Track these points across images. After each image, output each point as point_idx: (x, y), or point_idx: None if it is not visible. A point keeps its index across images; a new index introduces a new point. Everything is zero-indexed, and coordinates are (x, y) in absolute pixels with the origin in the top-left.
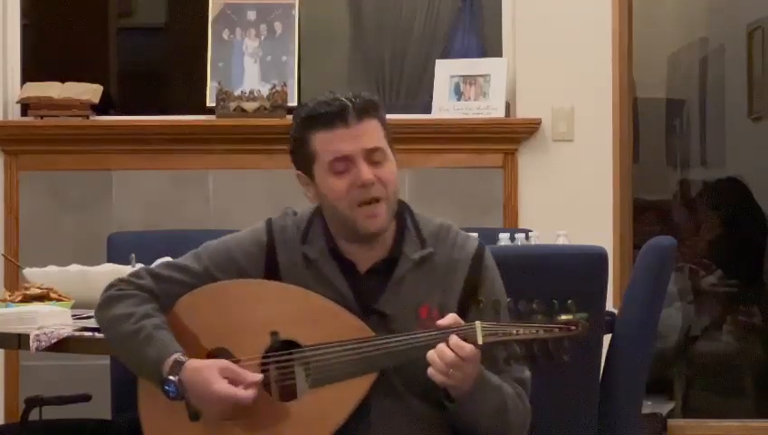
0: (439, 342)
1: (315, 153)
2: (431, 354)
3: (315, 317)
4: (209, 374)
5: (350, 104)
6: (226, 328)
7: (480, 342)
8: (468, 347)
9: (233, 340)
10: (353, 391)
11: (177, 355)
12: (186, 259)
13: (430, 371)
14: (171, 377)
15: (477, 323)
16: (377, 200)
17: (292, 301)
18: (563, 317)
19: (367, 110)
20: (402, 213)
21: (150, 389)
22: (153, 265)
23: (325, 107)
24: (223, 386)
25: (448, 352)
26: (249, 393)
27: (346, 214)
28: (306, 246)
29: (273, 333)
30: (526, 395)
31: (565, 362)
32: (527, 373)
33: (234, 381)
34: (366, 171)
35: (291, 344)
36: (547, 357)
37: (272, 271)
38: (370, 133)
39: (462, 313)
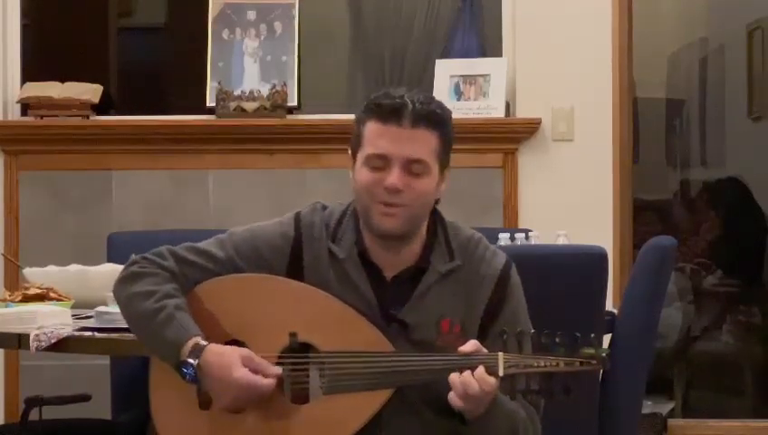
0: (459, 367)
1: (363, 139)
2: (454, 379)
3: (336, 324)
4: (231, 360)
5: (411, 107)
6: (245, 321)
7: (501, 374)
8: (492, 381)
9: (250, 334)
10: (367, 404)
11: (198, 338)
12: (210, 245)
13: (451, 395)
14: (190, 359)
15: (500, 354)
16: (399, 205)
17: (314, 304)
18: (585, 351)
19: (426, 118)
20: (434, 223)
21: (162, 374)
22: (176, 248)
23: (388, 99)
24: (244, 373)
25: (474, 384)
26: (269, 383)
27: (366, 204)
28: (335, 245)
29: (292, 334)
30: (538, 417)
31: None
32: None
33: (254, 371)
34: (395, 178)
35: (308, 347)
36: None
37: (295, 266)
38: (419, 143)
39: (483, 329)
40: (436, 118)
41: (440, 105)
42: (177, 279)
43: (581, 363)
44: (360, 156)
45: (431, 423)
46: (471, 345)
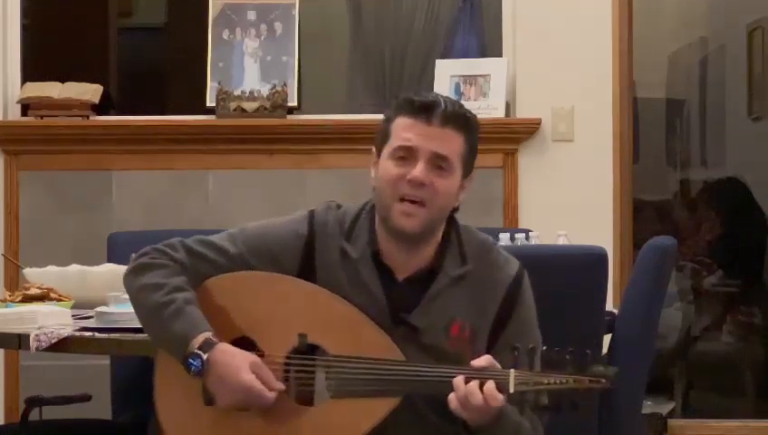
0: (469, 379)
1: (390, 133)
2: (458, 383)
3: (346, 328)
4: (240, 362)
5: (443, 106)
6: (255, 319)
7: (512, 391)
8: (500, 398)
9: (259, 332)
10: (373, 410)
11: (208, 334)
12: (221, 239)
13: (451, 397)
14: (199, 352)
15: (512, 371)
16: (421, 203)
17: (325, 307)
18: (595, 369)
19: (455, 120)
20: (449, 227)
21: (169, 367)
22: (188, 240)
23: (420, 97)
24: (251, 377)
25: (478, 395)
26: (271, 396)
27: (387, 202)
28: (348, 244)
29: (302, 335)
30: (542, 428)
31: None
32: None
33: (260, 380)
34: (420, 170)
35: (316, 350)
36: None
37: (307, 265)
38: (447, 140)
39: (493, 335)
40: (465, 121)
41: (471, 112)
42: (187, 272)
43: (590, 381)
44: (386, 150)
45: (436, 428)
46: (484, 360)
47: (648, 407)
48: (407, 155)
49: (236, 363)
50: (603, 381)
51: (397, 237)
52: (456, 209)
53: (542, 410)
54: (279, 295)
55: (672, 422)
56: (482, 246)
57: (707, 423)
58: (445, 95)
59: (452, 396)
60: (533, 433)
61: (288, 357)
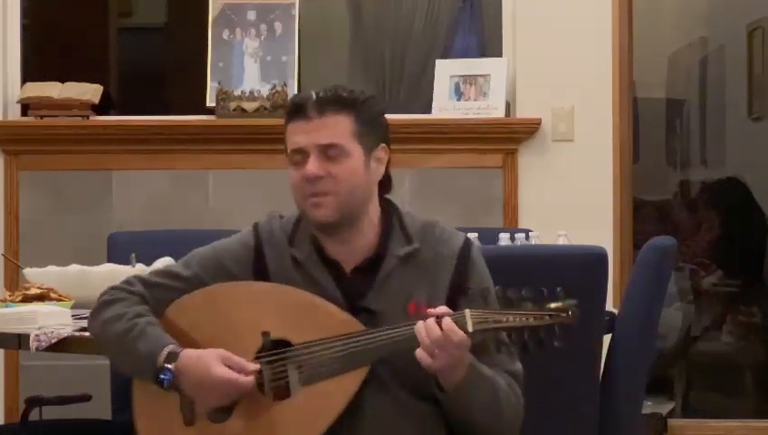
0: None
1: (286, 142)
2: (419, 328)
3: (306, 315)
4: (208, 359)
5: (314, 98)
6: (218, 331)
7: (470, 329)
8: (461, 333)
9: (225, 342)
10: (345, 386)
11: (171, 346)
12: (175, 266)
13: (418, 352)
14: (167, 365)
15: (467, 310)
16: (324, 194)
17: (281, 300)
18: (553, 304)
19: (330, 104)
20: (388, 211)
21: (146, 395)
22: (145, 273)
23: (294, 99)
24: (223, 370)
25: (435, 328)
26: (249, 380)
27: (300, 204)
28: (294, 249)
29: (265, 334)
30: (518, 387)
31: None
32: (518, 366)
33: (233, 369)
34: (311, 166)
35: (283, 343)
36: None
37: (261, 273)
38: (329, 127)
39: (452, 307)
40: (341, 101)
41: (349, 90)
42: (146, 302)
43: (551, 316)
44: (288, 160)
45: (412, 407)
46: (439, 308)
47: (648, 407)
48: (300, 158)
49: (205, 361)
50: (564, 315)
51: (325, 231)
52: (386, 186)
53: (509, 348)
54: (235, 301)
55: (672, 422)
56: (425, 225)
57: (707, 423)
58: (324, 86)
59: (419, 351)
60: (509, 391)
61: (256, 358)
